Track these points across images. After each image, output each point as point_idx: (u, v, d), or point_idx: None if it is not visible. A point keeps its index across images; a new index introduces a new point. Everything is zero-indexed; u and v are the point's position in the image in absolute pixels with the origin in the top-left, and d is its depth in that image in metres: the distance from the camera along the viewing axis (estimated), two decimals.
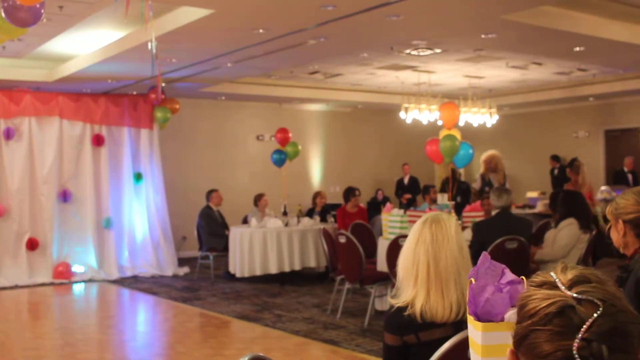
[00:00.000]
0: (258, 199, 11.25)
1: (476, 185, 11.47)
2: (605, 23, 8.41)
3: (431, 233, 2.64)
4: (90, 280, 10.98)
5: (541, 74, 12.18)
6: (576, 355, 1.03)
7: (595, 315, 1.04)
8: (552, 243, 6.51)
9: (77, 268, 11.06)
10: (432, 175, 16.49)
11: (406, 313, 2.62)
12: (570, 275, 1.11)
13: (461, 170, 13.87)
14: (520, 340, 1.12)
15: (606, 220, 2.97)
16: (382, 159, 16.22)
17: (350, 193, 10.28)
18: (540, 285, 1.13)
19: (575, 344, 1.03)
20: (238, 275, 10.17)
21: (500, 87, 13.73)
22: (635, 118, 14.36)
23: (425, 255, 2.61)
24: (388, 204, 8.68)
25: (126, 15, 5.21)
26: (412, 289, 2.63)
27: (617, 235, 2.85)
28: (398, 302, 2.67)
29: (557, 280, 1.11)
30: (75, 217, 11.27)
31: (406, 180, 15.10)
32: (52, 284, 10.71)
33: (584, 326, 1.04)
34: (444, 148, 8.82)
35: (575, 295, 1.07)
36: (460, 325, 2.60)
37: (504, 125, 15.17)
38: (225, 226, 11.03)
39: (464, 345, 2.41)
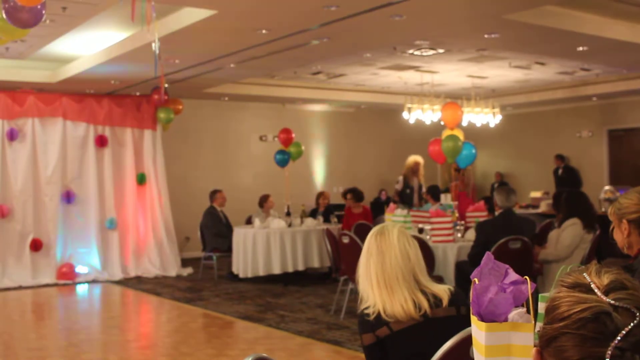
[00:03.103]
0: (264, 200, 11.24)
1: (398, 186, 11.68)
2: (608, 23, 8.40)
3: (377, 245, 2.90)
4: (93, 281, 10.99)
5: (544, 73, 12.17)
6: None
7: (632, 324, 1.01)
8: (555, 243, 6.50)
9: (80, 269, 11.08)
10: (435, 175, 16.46)
11: (368, 312, 2.83)
12: (606, 279, 1.07)
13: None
14: (548, 342, 1.08)
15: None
16: (385, 159, 16.20)
17: (344, 195, 10.54)
18: (573, 287, 1.08)
19: (609, 352, 1.00)
20: (241, 275, 10.17)
21: (503, 87, 13.71)
22: (639, 118, 14.34)
23: (374, 266, 2.88)
24: (391, 204, 8.68)
25: (133, 20, 5.22)
26: (372, 297, 2.87)
27: (621, 235, 2.84)
28: (363, 306, 2.89)
29: (591, 283, 1.07)
30: (78, 217, 11.28)
31: None
32: (55, 284, 10.72)
33: (620, 335, 1.00)
34: (446, 148, 8.82)
35: (611, 301, 1.03)
36: (428, 318, 2.80)
37: (507, 125, 15.15)
38: (229, 227, 11.02)
39: (466, 344, 2.41)
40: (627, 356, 1.00)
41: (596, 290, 1.06)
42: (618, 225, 2.85)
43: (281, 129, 11.89)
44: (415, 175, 11.45)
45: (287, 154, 11.65)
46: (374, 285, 2.86)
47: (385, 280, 2.84)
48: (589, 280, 1.08)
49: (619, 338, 1.00)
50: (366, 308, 2.86)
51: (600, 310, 1.03)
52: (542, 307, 1.96)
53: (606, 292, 1.05)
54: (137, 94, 11.95)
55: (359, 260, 2.98)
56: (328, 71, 11.70)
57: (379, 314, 2.80)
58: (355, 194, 10.75)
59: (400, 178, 11.72)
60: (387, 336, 2.80)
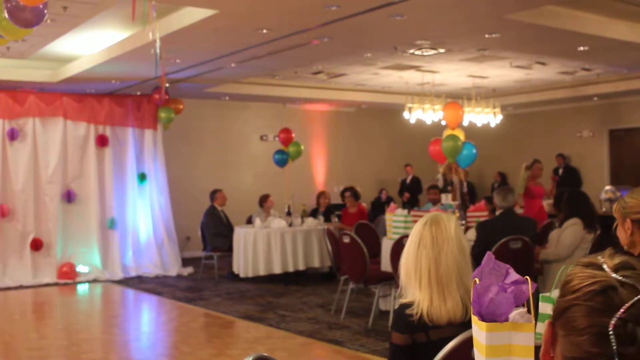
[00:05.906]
0: (264, 200, 11.25)
1: (439, 185, 11.61)
2: (609, 22, 8.40)
3: (431, 235, 2.63)
4: (94, 281, 10.99)
5: (545, 73, 12.17)
6: (611, 333, 1.09)
7: (635, 298, 1.10)
8: (556, 243, 6.50)
9: (81, 268, 11.08)
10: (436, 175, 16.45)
11: (410, 312, 2.62)
12: (617, 260, 1.17)
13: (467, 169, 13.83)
14: (560, 313, 1.18)
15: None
16: (386, 159, 16.20)
17: (342, 194, 10.63)
18: (587, 265, 1.18)
19: (613, 322, 1.09)
20: (242, 275, 10.18)
21: (504, 87, 13.71)
22: None
23: (426, 259, 2.61)
24: (392, 204, 8.69)
25: (133, 20, 5.22)
26: (417, 293, 2.64)
27: (624, 234, 2.84)
28: (404, 300, 2.68)
29: (603, 263, 1.17)
30: (79, 217, 11.28)
31: (408, 180, 15.16)
32: (56, 284, 10.72)
33: (623, 307, 1.09)
34: (446, 148, 8.83)
35: (619, 277, 1.13)
36: (468, 324, 2.61)
37: (508, 125, 15.13)
38: (229, 226, 11.03)
39: (468, 345, 2.41)
40: (628, 327, 1.09)
41: (606, 268, 1.16)
42: (622, 224, 2.84)
43: (281, 128, 11.90)
44: (454, 171, 11.24)
45: (286, 153, 11.66)
46: (422, 281, 2.60)
47: (438, 277, 2.58)
48: (602, 261, 1.18)
49: (622, 310, 1.09)
50: (408, 306, 2.63)
51: (607, 284, 1.13)
52: (542, 307, 1.97)
53: (615, 270, 1.15)
54: (138, 93, 11.95)
55: (404, 250, 2.70)
56: (329, 71, 11.70)
57: (421, 315, 2.59)
58: (354, 192, 10.80)
59: (440, 176, 11.62)
60: (423, 343, 2.61)
